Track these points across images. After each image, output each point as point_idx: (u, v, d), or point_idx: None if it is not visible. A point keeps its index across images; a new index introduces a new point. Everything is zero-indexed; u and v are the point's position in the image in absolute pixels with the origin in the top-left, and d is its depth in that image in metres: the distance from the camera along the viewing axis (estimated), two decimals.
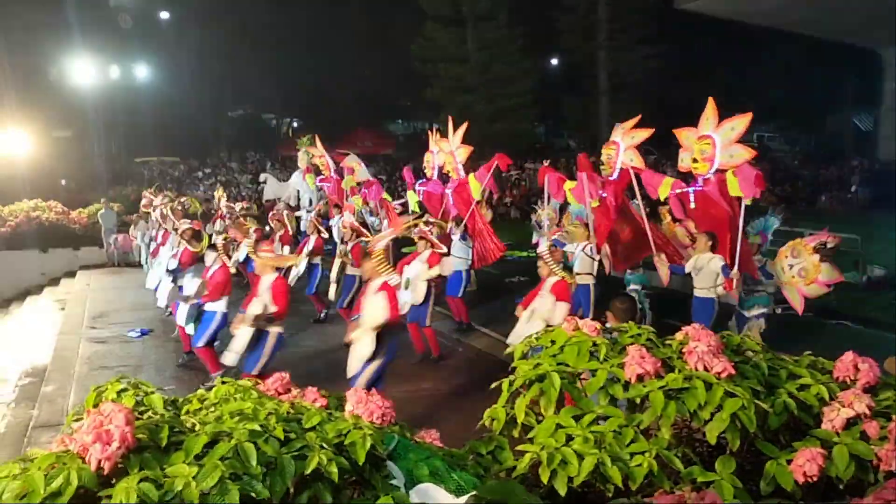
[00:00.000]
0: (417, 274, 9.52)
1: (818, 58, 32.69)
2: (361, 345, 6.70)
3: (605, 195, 9.57)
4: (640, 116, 9.45)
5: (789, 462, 2.44)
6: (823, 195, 27.59)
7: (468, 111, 31.81)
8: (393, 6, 37.20)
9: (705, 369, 2.68)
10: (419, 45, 33.28)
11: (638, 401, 2.72)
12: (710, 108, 8.49)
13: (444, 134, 12.69)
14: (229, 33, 39.83)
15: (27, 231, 18.99)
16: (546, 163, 12.19)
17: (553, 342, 3.05)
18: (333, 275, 11.34)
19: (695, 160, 8.51)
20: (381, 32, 39.28)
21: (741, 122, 8.23)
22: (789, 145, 40.85)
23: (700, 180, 8.59)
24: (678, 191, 8.96)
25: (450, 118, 12.69)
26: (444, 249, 10.16)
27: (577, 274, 9.68)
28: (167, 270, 11.15)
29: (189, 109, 42.19)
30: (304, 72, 41.17)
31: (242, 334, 7.47)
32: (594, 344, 2.95)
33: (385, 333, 6.74)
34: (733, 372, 2.68)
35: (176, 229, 11.28)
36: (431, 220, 10.96)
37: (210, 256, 9.33)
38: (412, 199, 13.02)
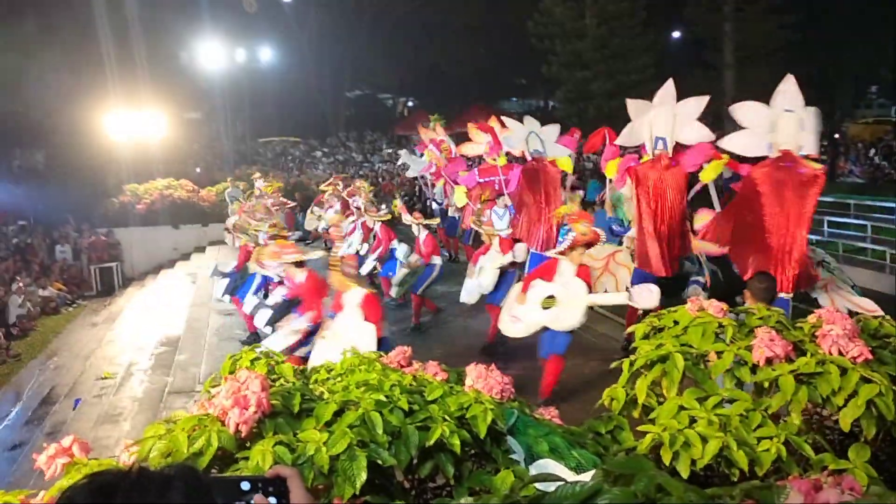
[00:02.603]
0: (490, 261, 9.32)
1: None
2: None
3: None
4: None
5: None
6: None
7: (585, 87, 31.18)
8: None
9: (840, 353, 2.58)
10: (536, 21, 32.76)
11: (766, 385, 2.64)
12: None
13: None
14: (348, 15, 40.59)
15: (160, 208, 19.90)
16: None
17: (676, 322, 2.99)
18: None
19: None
20: (497, 10, 39.00)
21: None
22: None
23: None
24: None
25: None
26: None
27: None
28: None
29: (309, 90, 43.35)
30: (420, 51, 41.43)
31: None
32: (720, 325, 2.88)
33: None
34: (870, 357, 2.57)
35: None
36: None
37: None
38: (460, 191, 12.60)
